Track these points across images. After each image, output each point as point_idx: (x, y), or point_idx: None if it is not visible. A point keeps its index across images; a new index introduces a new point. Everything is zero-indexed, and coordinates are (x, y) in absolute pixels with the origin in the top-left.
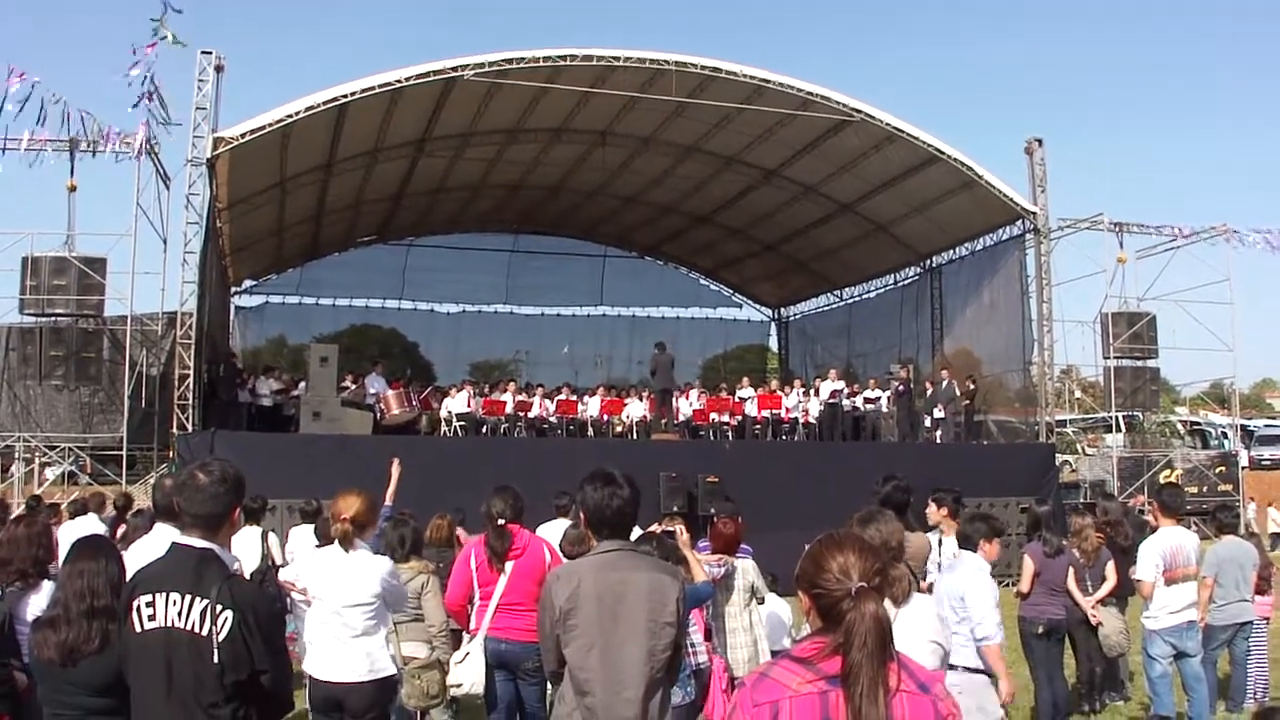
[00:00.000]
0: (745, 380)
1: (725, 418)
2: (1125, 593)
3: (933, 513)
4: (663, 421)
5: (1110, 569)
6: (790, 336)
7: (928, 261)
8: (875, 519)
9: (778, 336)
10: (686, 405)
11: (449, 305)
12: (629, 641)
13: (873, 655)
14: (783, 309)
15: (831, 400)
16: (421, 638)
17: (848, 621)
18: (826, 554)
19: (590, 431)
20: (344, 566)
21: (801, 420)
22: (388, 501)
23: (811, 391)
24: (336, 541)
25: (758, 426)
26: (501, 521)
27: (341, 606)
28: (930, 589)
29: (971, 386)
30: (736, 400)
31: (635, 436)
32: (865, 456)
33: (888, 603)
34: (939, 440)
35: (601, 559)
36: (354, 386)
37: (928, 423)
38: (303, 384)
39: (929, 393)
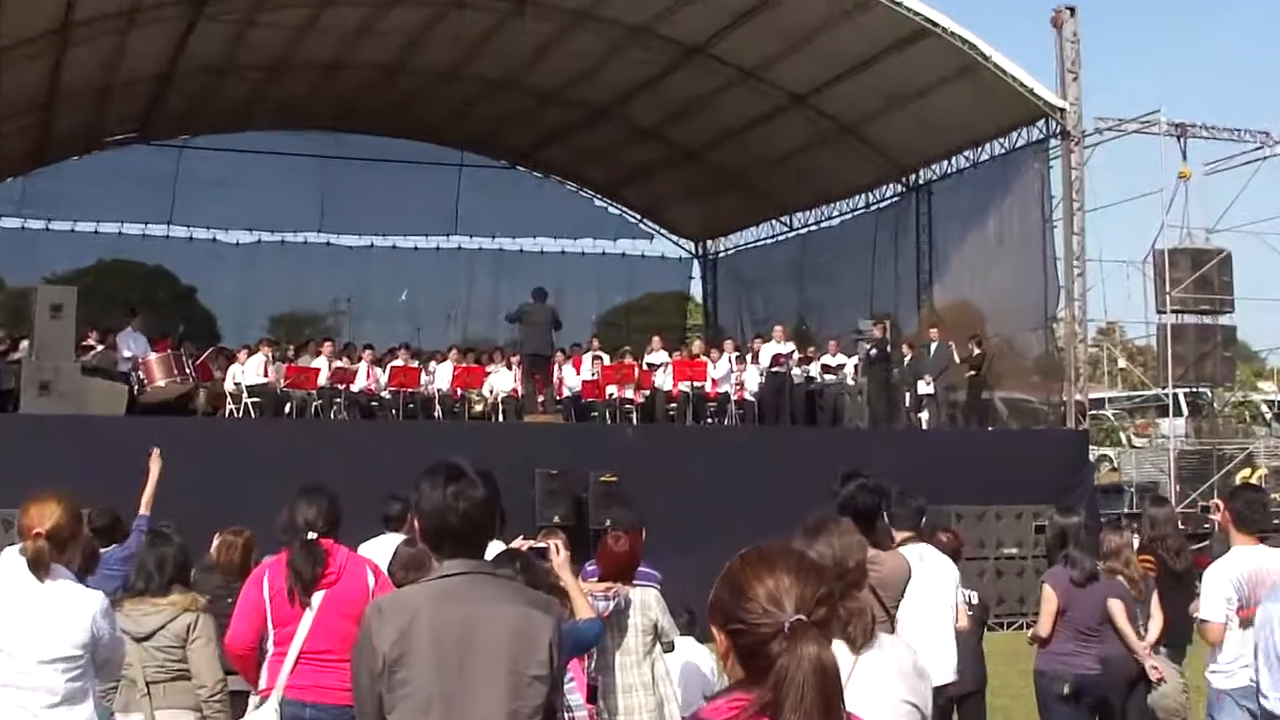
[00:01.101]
0: (656, 341)
1: (628, 393)
2: (1180, 637)
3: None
4: (540, 399)
5: (1155, 603)
6: (720, 280)
7: (912, 177)
8: (827, 529)
9: (703, 280)
10: (574, 376)
11: (238, 233)
12: (481, 702)
13: (812, 718)
14: (709, 242)
15: (776, 369)
16: (186, 704)
17: (778, 670)
18: (751, 575)
19: (438, 412)
20: (34, 604)
21: (734, 396)
22: (143, 510)
23: (749, 357)
24: (27, 566)
25: (673, 405)
26: (310, 536)
27: (32, 662)
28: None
29: (975, 351)
30: (644, 369)
31: (501, 418)
32: (823, 447)
33: (839, 645)
34: (925, 425)
35: (443, 587)
36: (101, 347)
37: (910, 401)
38: (25, 343)
39: (911, 359)
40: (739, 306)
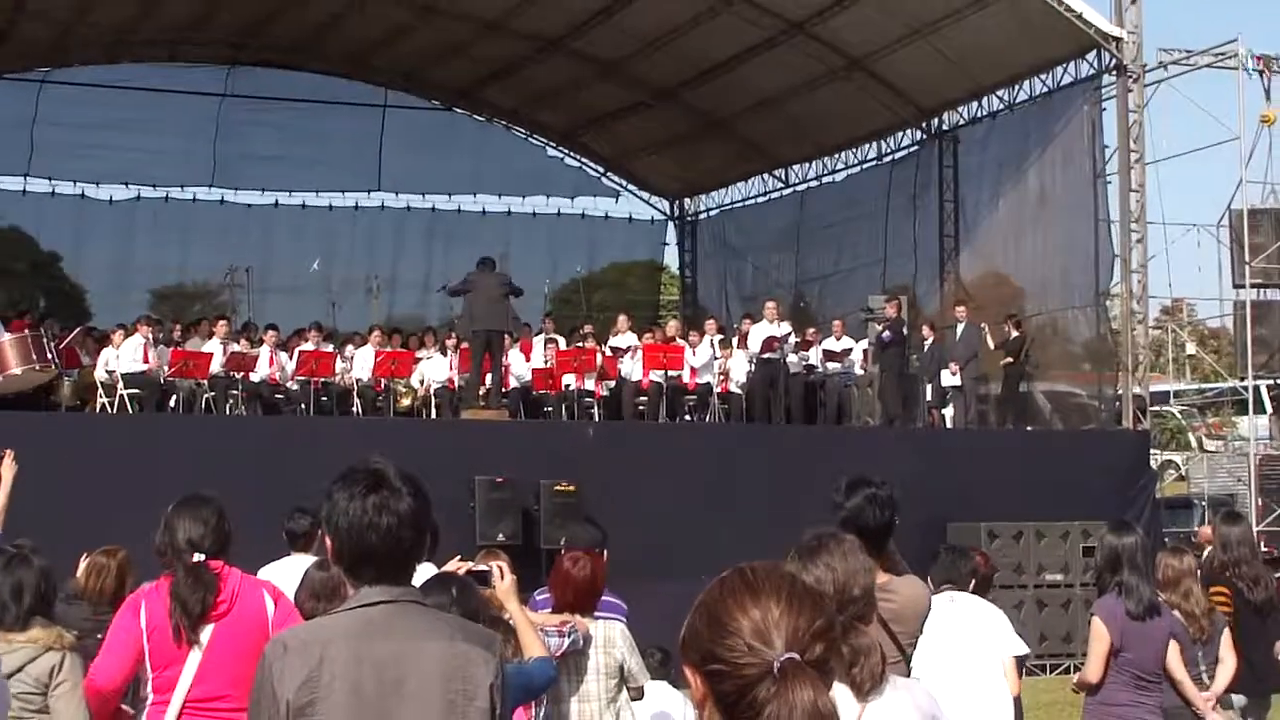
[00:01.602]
0: (623, 321)
1: (588, 384)
2: (1259, 685)
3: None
4: (482, 390)
5: (1226, 644)
6: (700, 247)
7: (934, 122)
8: (827, 549)
9: (679, 247)
10: (522, 363)
11: (112, 188)
12: None
13: None
14: (687, 201)
15: (768, 355)
16: None
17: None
18: (733, 604)
19: (356, 406)
20: None
21: (718, 388)
22: None
23: (735, 340)
24: None
25: (643, 399)
26: (196, 558)
27: None
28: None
29: (1011, 334)
30: (608, 354)
31: (434, 414)
32: (824, 450)
33: (841, 690)
34: (949, 424)
35: (362, 619)
36: None
37: (931, 394)
38: None
39: (932, 344)
40: (723, 279)
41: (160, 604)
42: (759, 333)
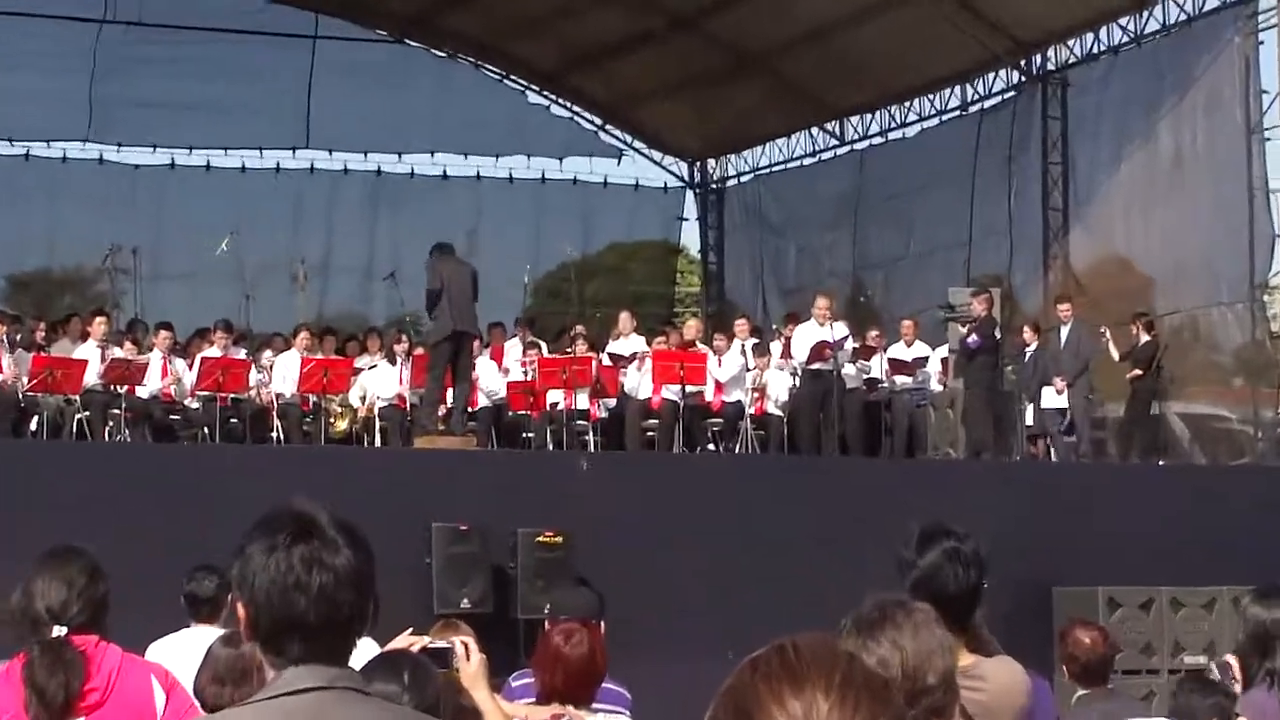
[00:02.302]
0: (626, 320)
1: (580, 402)
2: None
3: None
4: (442, 410)
5: None
6: (729, 224)
7: (1036, 59)
8: (894, 621)
9: (702, 224)
10: (494, 374)
11: None
12: None
13: None
14: (711, 163)
15: (818, 365)
16: None
17: None
18: (767, 693)
19: (278, 430)
20: None
21: (752, 408)
22: None
23: (774, 346)
24: None
25: (653, 422)
26: (58, 632)
27: None
28: None
29: (1141, 338)
30: (607, 362)
31: (379, 441)
32: (891, 491)
33: None
34: (1055, 456)
35: (284, 711)
36: None
37: (1033, 417)
38: None
39: (1034, 351)
40: (758, 265)
41: (12, 690)
42: (806, 336)
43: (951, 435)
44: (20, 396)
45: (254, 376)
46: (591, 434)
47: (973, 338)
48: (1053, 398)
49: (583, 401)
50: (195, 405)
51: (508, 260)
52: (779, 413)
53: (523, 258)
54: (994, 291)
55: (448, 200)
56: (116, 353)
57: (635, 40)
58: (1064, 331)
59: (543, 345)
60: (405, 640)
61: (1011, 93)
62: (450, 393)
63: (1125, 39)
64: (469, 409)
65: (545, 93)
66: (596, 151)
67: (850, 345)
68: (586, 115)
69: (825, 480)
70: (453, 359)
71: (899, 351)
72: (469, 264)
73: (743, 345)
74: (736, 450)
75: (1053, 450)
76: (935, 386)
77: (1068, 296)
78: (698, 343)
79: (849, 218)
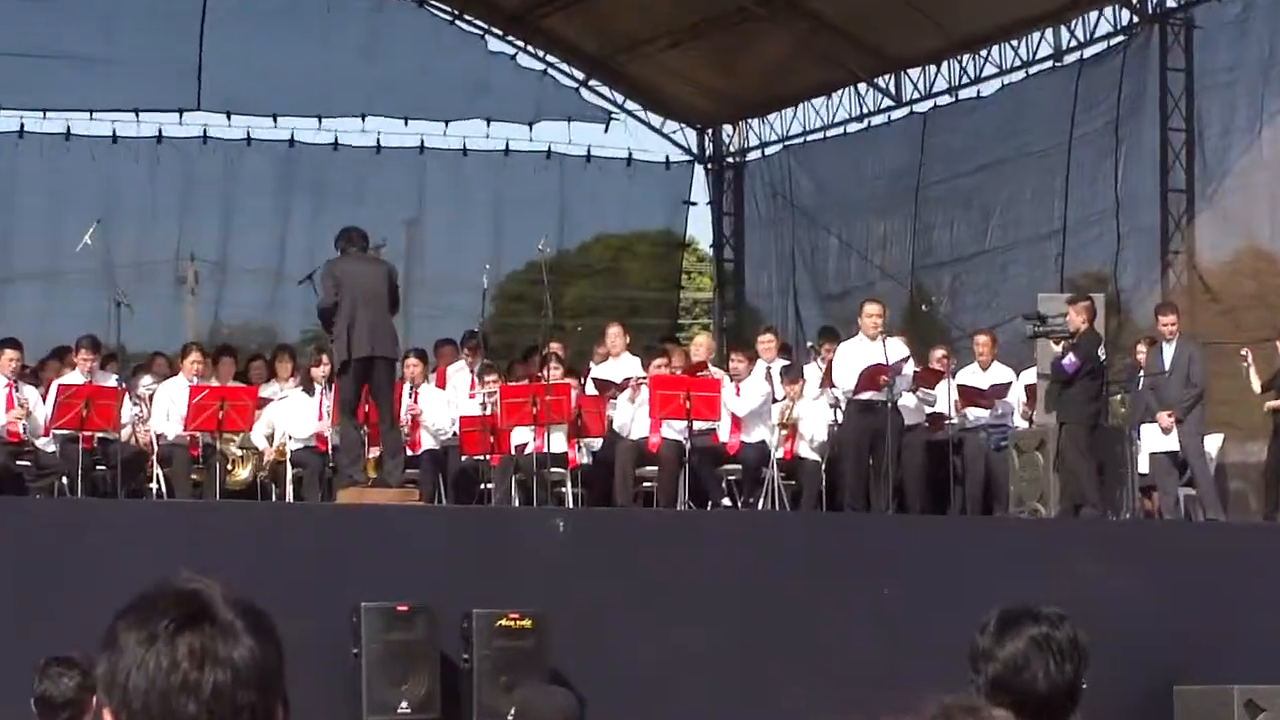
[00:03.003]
0: (616, 335)
1: (555, 442)
2: None
3: None
4: (372, 453)
5: None
6: (750, 209)
7: None
8: None
9: (715, 208)
10: (443, 407)
11: None
12: None
13: None
14: (728, 130)
15: (868, 395)
16: None
17: None
18: None
19: (158, 481)
20: None
21: (779, 451)
22: None
23: (813, 366)
24: None
25: (650, 469)
26: None
27: None
28: None
29: None
30: (588, 391)
31: (292, 495)
32: (962, 558)
33: None
34: (1180, 512)
35: None
36: None
37: (1146, 464)
38: None
39: (1143, 376)
40: (789, 263)
41: None
42: (851, 357)
43: (1041, 486)
44: None
45: (128, 410)
46: (570, 485)
47: (1069, 359)
48: (1158, 437)
49: (558, 443)
50: (51, 447)
51: (460, 258)
52: (815, 457)
53: (481, 254)
54: (1096, 298)
55: (382, 179)
56: None
57: None
58: (1168, 351)
59: (505, 369)
60: None
61: (1120, 37)
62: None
63: None
64: (408, 452)
65: (510, 38)
66: (577, 114)
67: (909, 369)
68: (564, 68)
69: (876, 546)
70: (376, 391)
71: (972, 376)
72: (384, 263)
73: (768, 369)
74: (759, 506)
75: (1163, 506)
76: (1019, 422)
77: (1175, 307)
78: (709, 365)
79: (907, 202)
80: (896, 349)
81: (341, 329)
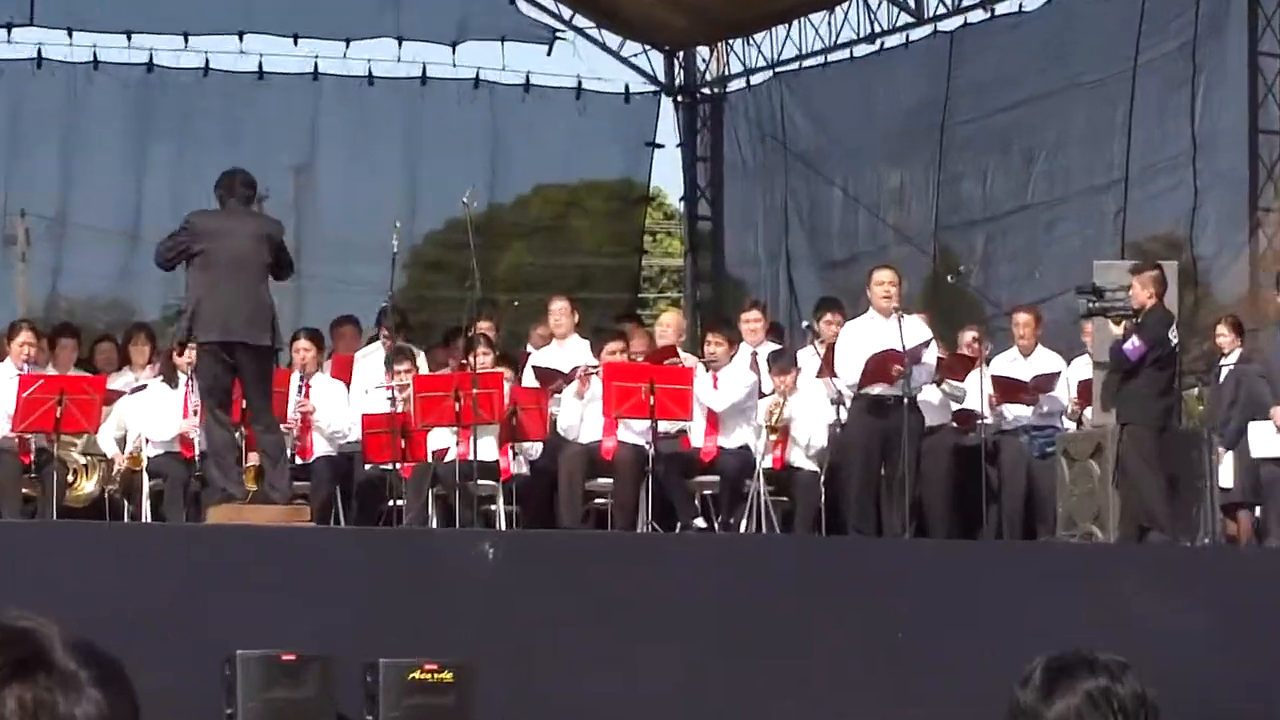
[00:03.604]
0: (562, 312)
1: (485, 448)
2: None
3: None
4: (249, 462)
5: None
6: (729, 153)
7: None
8: None
9: (687, 152)
10: (341, 403)
11: None
12: None
13: None
14: (703, 54)
15: (878, 390)
16: None
17: None
18: None
19: None
20: None
21: (767, 459)
22: None
23: (809, 351)
24: None
25: (604, 481)
26: None
27: None
28: None
29: None
30: (527, 383)
31: (149, 514)
32: (999, 592)
33: None
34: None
35: None
36: None
37: (1229, 476)
38: None
39: (1235, 363)
40: (780, 219)
41: None
42: (858, 339)
43: (1096, 504)
44: None
45: None
46: (502, 502)
47: (1133, 342)
48: (1270, 438)
49: (488, 448)
50: None
51: (364, 214)
52: (813, 466)
53: (390, 210)
54: (1167, 267)
55: (265, 114)
56: None
57: None
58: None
59: (420, 355)
60: None
61: None
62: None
63: None
64: (295, 458)
65: None
66: (513, 33)
67: (931, 355)
68: None
69: (890, 579)
70: (250, 385)
71: (1011, 365)
72: (266, 220)
73: (754, 355)
74: (743, 528)
75: (1271, 529)
76: (1069, 423)
77: None
78: (679, 350)
79: (929, 144)
80: (915, 330)
81: (190, 302)
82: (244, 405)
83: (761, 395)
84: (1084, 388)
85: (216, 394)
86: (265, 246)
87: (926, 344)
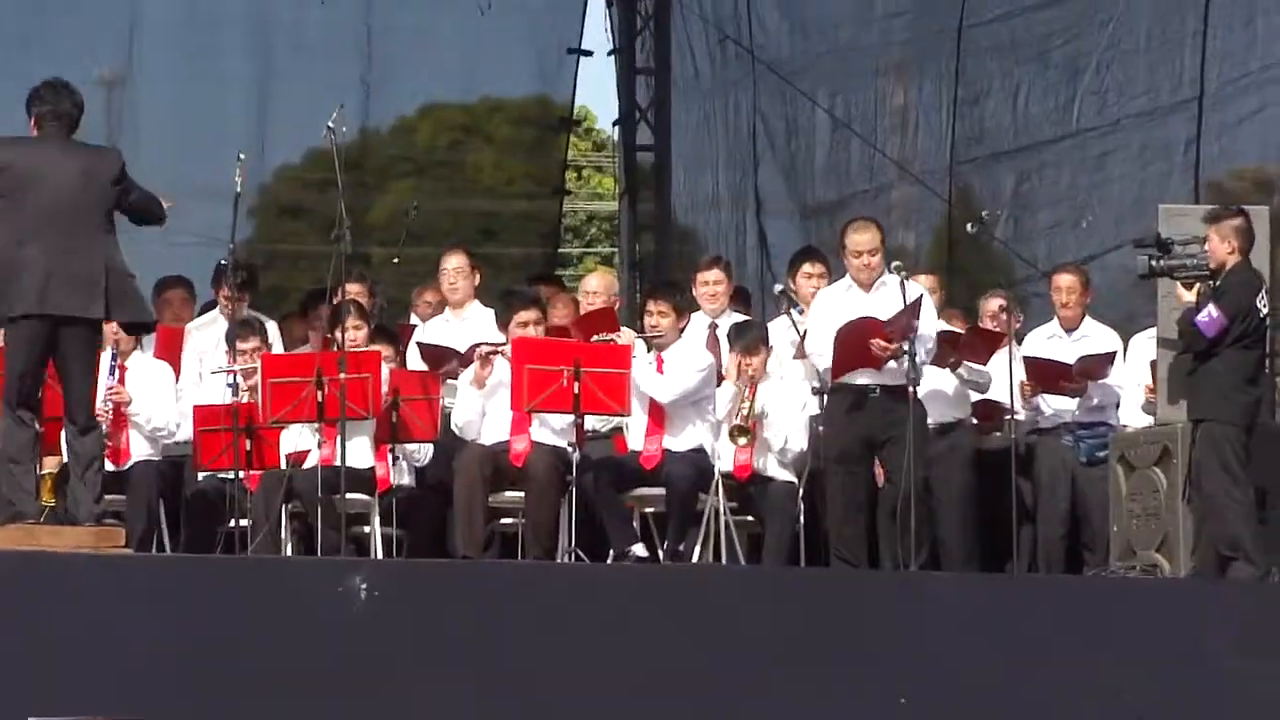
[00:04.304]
0: (457, 270)
1: (359, 450)
2: None
3: None
4: (45, 470)
5: None
6: (678, 64)
7: None
8: None
9: (623, 62)
10: (167, 391)
11: None
12: None
13: None
14: None
15: (865, 380)
16: None
17: None
18: None
19: None
20: None
21: (729, 463)
22: None
23: (783, 322)
24: None
25: (512, 494)
26: None
27: None
28: None
29: None
30: (403, 365)
31: None
32: (1034, 638)
33: None
34: None
35: None
36: None
37: None
38: None
39: None
40: (747, 150)
41: None
42: (841, 307)
43: (1162, 526)
44: None
45: None
46: (379, 521)
47: (1209, 313)
48: None
49: (360, 451)
50: None
51: (197, 141)
52: (788, 476)
53: (231, 136)
54: (1253, 213)
55: (66, 10)
56: None
57: None
58: None
59: (272, 328)
60: None
61: None
62: (65, 436)
63: None
64: (111, 467)
65: None
66: None
67: (930, 323)
68: None
69: (891, 623)
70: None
71: (1050, 343)
72: (100, 149)
73: (712, 327)
74: (695, 556)
75: None
76: (1128, 419)
77: None
78: (616, 323)
79: (942, 53)
80: (918, 300)
81: (21, 262)
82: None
83: (722, 381)
84: (1150, 373)
85: (22, 384)
86: (97, 187)
87: (915, 308)
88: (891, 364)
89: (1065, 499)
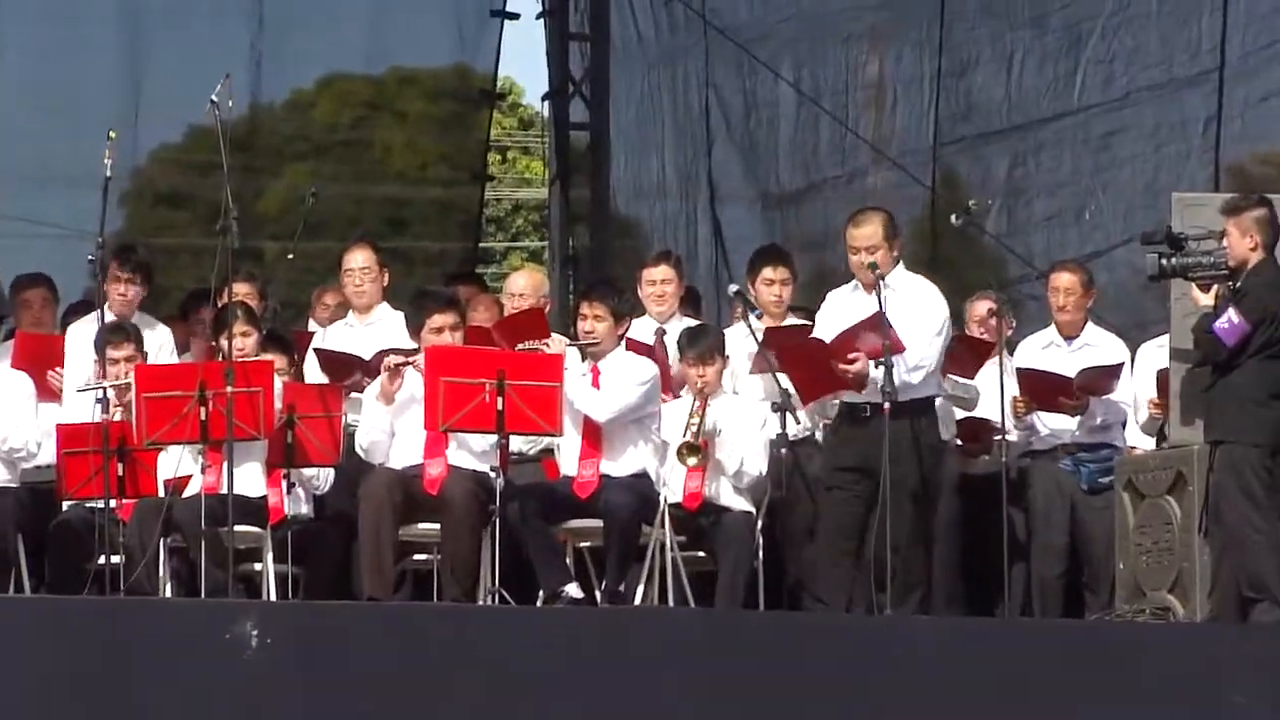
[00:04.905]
0: (362, 269)
1: (248, 477)
2: None
3: None
4: None
5: None
6: (618, 27)
7: None
8: None
9: (554, 25)
10: (22, 406)
11: None
12: None
13: None
14: None
15: (841, 398)
16: None
17: None
18: None
19: None
20: None
21: (678, 491)
22: None
23: (740, 330)
24: None
25: (426, 526)
26: None
27: None
28: None
29: None
30: (300, 378)
31: None
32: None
33: None
34: None
35: None
36: None
37: None
38: None
39: None
40: (699, 129)
41: None
42: (845, 311)
43: (1176, 562)
44: None
45: None
46: (272, 558)
47: (1229, 318)
48: None
49: (249, 477)
50: None
51: (61, 118)
52: (745, 505)
53: (101, 112)
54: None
55: None
56: None
57: None
58: None
59: (162, 330)
60: None
61: None
62: None
63: None
64: None
65: None
66: None
67: (922, 340)
68: None
69: (865, 673)
70: None
71: (1046, 352)
72: None
73: (659, 334)
74: (638, 598)
75: None
76: (1135, 440)
77: None
78: (546, 329)
79: (923, 16)
80: (915, 292)
81: None
82: None
83: (670, 397)
84: (1160, 387)
85: None
86: None
87: (874, 323)
88: (877, 378)
89: (1063, 531)
